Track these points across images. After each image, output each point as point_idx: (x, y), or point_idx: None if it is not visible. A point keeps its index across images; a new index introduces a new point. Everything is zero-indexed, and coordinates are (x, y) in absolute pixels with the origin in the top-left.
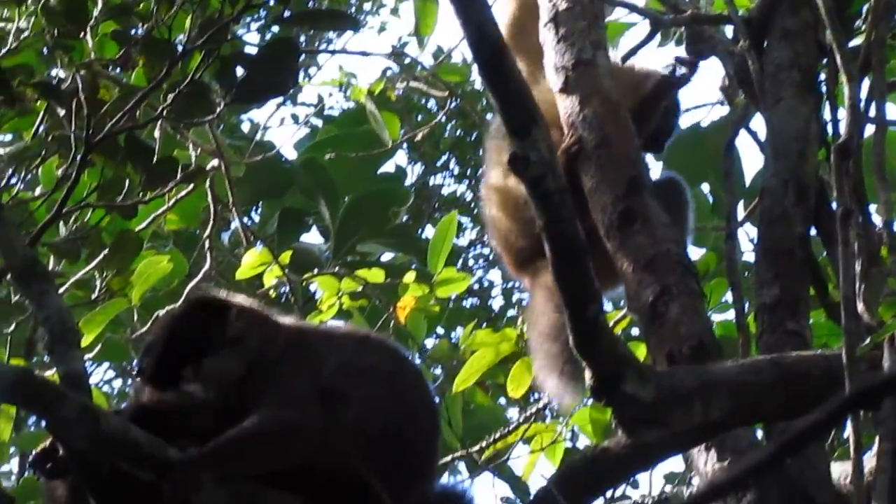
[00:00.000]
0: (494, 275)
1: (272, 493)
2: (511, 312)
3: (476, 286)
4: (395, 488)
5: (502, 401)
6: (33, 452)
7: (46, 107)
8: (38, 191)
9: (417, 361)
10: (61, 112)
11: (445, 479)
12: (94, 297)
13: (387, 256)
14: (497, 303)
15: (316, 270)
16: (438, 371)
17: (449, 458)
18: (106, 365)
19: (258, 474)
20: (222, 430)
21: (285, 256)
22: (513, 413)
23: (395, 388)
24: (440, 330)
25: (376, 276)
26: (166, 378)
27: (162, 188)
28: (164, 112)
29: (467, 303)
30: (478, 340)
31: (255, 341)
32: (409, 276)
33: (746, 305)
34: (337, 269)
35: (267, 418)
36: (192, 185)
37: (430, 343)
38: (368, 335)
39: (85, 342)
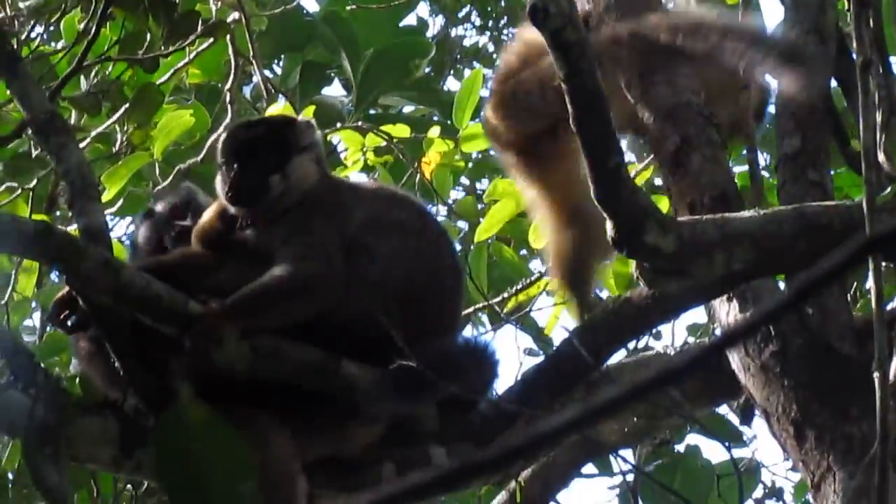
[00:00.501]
0: None
1: (294, 347)
2: None
3: None
4: (417, 342)
5: (525, 253)
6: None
7: None
8: (59, 45)
9: (442, 217)
10: None
11: (468, 331)
12: (115, 150)
13: (409, 109)
14: None
15: (339, 125)
16: (462, 224)
17: (471, 309)
18: (128, 219)
19: (280, 327)
20: (242, 284)
21: (308, 110)
22: (536, 265)
23: (420, 245)
24: (465, 181)
25: (401, 130)
26: (255, 189)
27: (183, 42)
28: None
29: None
30: (499, 191)
31: (322, 151)
32: (434, 131)
33: (768, 157)
34: (360, 123)
35: (290, 270)
36: (213, 39)
37: (455, 196)
38: (394, 192)
39: (107, 196)
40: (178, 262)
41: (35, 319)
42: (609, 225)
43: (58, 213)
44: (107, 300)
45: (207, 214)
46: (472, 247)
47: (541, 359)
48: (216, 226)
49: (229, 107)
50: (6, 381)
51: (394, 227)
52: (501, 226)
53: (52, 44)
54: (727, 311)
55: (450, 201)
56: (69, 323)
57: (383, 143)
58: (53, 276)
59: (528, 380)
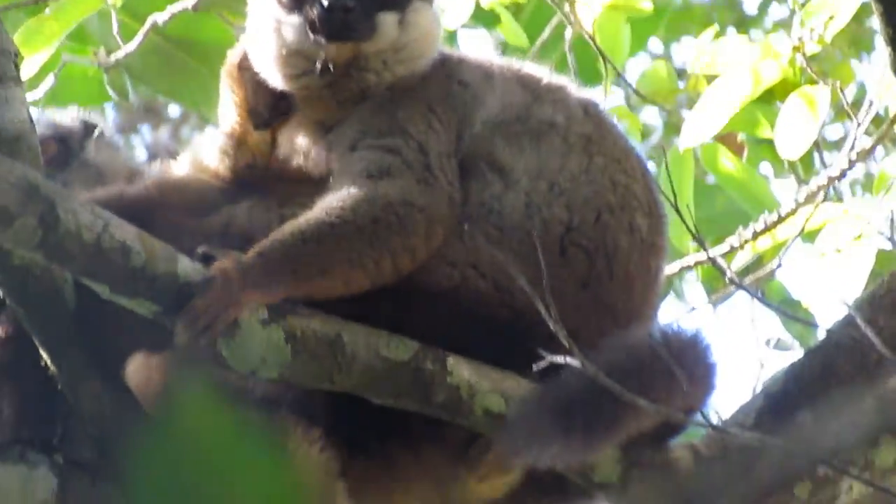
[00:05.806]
0: None
1: (364, 335)
2: (777, 13)
3: None
4: (585, 329)
5: (766, 169)
6: None
7: None
8: None
9: (618, 102)
10: None
11: (669, 306)
12: None
13: None
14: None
15: None
16: (652, 114)
17: (676, 267)
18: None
19: (338, 299)
20: (271, 225)
21: None
22: (784, 188)
23: (592, 163)
24: (655, 45)
25: None
26: (360, 22)
27: None
28: None
29: None
30: (720, 59)
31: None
32: None
33: None
34: None
35: (358, 194)
36: None
37: (635, 69)
38: (548, 77)
39: (28, 72)
40: (162, 192)
41: None
42: None
43: None
44: (33, 255)
45: (228, 107)
46: (668, 154)
47: (797, 354)
48: (247, 119)
49: None
50: None
51: (546, 130)
52: (726, 120)
53: None
54: None
55: (626, 75)
56: None
57: None
58: None
59: (776, 391)
